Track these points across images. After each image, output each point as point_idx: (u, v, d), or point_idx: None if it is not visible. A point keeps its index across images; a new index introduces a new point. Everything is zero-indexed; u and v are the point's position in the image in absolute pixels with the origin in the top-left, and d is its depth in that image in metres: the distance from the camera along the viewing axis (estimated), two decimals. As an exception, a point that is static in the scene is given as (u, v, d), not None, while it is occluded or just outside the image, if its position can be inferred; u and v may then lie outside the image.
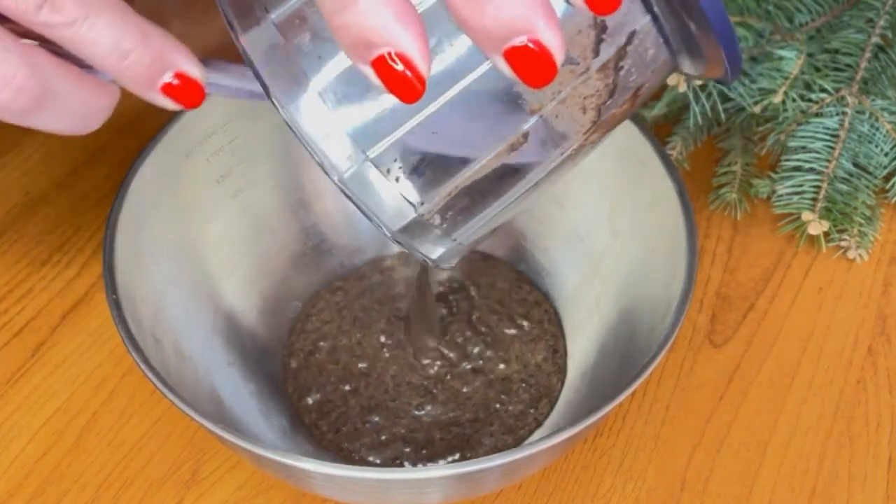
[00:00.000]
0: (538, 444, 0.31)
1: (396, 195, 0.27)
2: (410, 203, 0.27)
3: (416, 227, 0.28)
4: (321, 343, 0.44)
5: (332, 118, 0.26)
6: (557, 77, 0.24)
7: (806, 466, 0.41)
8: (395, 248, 0.47)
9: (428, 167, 0.27)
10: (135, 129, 0.52)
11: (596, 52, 0.26)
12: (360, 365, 0.43)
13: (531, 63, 0.23)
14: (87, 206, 0.50)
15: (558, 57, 0.23)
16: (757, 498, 0.40)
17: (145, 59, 0.27)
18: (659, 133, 0.50)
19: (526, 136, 0.27)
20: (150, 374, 0.33)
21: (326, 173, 0.27)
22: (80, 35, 0.26)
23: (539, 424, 0.42)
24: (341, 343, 0.44)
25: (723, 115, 0.48)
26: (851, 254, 0.47)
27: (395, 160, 0.26)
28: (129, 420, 0.42)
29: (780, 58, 0.47)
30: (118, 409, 0.42)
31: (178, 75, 0.27)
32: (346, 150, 0.26)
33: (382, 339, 0.44)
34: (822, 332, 0.45)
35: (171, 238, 0.40)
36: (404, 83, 0.23)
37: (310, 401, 0.42)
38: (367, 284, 0.46)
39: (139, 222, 0.38)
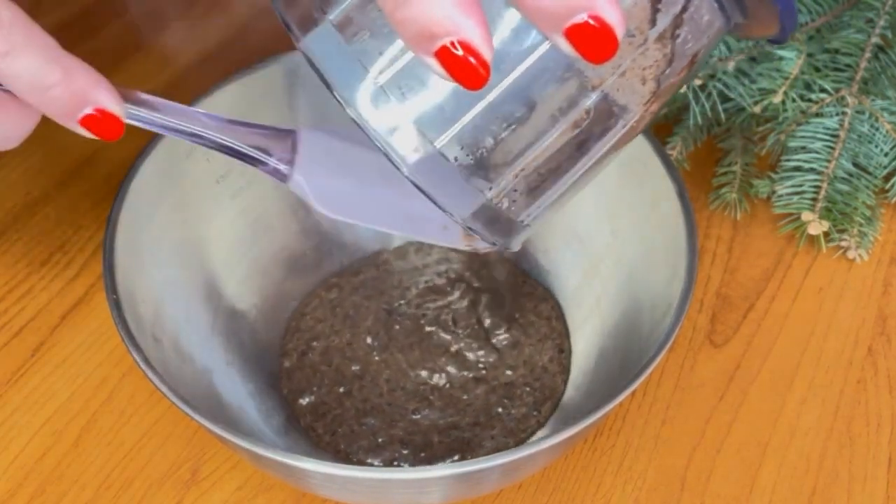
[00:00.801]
0: (538, 444, 0.31)
1: (465, 182, 0.27)
2: (479, 189, 0.28)
3: (485, 212, 0.28)
4: (314, 343, 0.44)
5: (396, 111, 0.26)
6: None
7: (806, 466, 0.41)
8: (393, 244, 0.47)
9: (494, 152, 0.27)
10: (135, 130, 0.52)
11: (653, 23, 0.27)
12: (352, 367, 0.43)
13: (592, 40, 0.23)
14: (87, 206, 0.50)
15: (619, 31, 0.23)
16: (757, 498, 0.40)
17: (66, 94, 0.28)
18: (659, 133, 0.50)
19: (588, 112, 0.27)
20: (150, 374, 0.33)
21: (395, 165, 0.27)
22: (2, 69, 0.27)
23: (541, 426, 0.42)
24: (333, 343, 0.44)
25: (723, 115, 0.48)
26: (851, 254, 0.47)
27: (462, 148, 0.27)
28: (128, 420, 0.42)
29: (780, 58, 0.46)
30: (118, 409, 0.42)
31: (98, 110, 0.28)
32: (412, 141, 0.26)
33: (369, 340, 0.44)
34: (822, 332, 0.45)
35: (171, 238, 0.40)
36: (469, 71, 0.23)
37: (304, 402, 0.42)
38: (361, 280, 0.46)
39: (139, 222, 0.38)
